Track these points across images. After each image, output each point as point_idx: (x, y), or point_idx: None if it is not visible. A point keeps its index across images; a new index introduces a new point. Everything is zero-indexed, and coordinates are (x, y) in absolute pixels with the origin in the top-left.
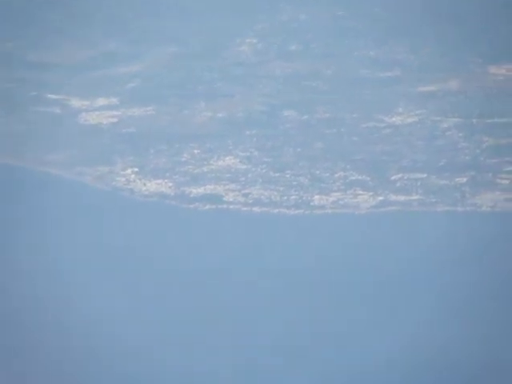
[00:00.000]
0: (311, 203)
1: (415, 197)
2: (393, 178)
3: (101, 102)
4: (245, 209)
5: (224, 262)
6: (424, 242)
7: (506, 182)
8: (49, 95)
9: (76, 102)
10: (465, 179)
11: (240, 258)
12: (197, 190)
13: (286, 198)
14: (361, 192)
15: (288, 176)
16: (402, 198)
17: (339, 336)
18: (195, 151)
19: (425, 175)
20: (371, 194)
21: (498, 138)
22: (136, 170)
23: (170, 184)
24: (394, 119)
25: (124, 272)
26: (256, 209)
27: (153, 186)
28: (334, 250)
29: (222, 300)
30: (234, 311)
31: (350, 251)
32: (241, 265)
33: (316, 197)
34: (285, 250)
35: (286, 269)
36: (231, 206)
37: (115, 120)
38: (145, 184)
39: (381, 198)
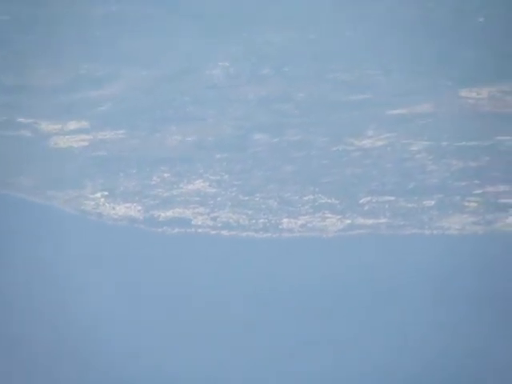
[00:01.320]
0: (279, 226)
1: (383, 220)
2: (361, 201)
3: (72, 125)
4: (213, 232)
5: (192, 285)
6: (390, 264)
7: (474, 204)
8: (20, 119)
9: (47, 126)
10: (433, 202)
11: (208, 281)
12: (165, 214)
13: (254, 221)
14: (329, 215)
15: (257, 199)
16: (369, 221)
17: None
18: (165, 175)
19: (393, 198)
20: (339, 217)
21: (467, 161)
22: (106, 193)
23: (139, 208)
24: (363, 142)
25: (90, 296)
26: (224, 232)
27: (122, 209)
28: (302, 273)
29: (191, 323)
30: (203, 334)
31: (317, 274)
32: (209, 288)
33: (284, 220)
34: (252, 273)
35: (254, 291)
36: (199, 230)
37: (86, 144)
38: (114, 208)
39: (349, 221)
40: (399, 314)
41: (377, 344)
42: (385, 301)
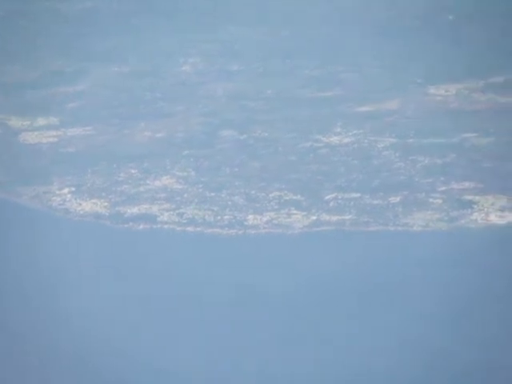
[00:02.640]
0: (245, 223)
1: (348, 216)
2: (327, 197)
3: (41, 121)
4: (179, 228)
5: (156, 281)
6: (355, 261)
7: (439, 201)
8: None
9: (16, 122)
10: (398, 199)
11: (172, 277)
12: (132, 210)
13: (220, 217)
14: (294, 212)
15: (223, 196)
16: (335, 217)
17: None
18: (133, 171)
19: (359, 195)
20: (305, 213)
21: (433, 157)
22: (73, 189)
23: (106, 204)
24: (331, 139)
25: (56, 292)
26: (190, 228)
27: (88, 205)
28: (266, 269)
29: (157, 320)
30: (166, 331)
31: (280, 270)
32: (174, 284)
33: (250, 216)
34: (217, 269)
35: (218, 288)
36: (165, 226)
37: (55, 140)
38: (80, 204)
39: (314, 217)
40: (364, 311)
41: (342, 341)
42: (349, 297)
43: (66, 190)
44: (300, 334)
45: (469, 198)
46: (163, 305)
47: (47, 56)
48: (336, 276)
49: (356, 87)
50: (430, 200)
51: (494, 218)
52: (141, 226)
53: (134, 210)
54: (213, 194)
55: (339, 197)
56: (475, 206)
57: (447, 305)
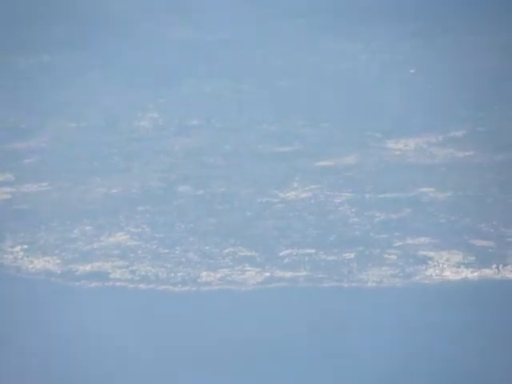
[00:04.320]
0: (198, 280)
1: (302, 273)
2: (281, 253)
3: None
4: (131, 286)
5: (108, 339)
6: (307, 318)
7: (394, 257)
8: None
9: None
10: (353, 255)
11: (124, 335)
12: (84, 267)
13: (173, 274)
14: (248, 268)
15: (177, 252)
16: (289, 273)
17: None
18: (86, 227)
19: (313, 251)
20: (258, 270)
21: (389, 213)
22: (25, 247)
23: (58, 261)
24: (288, 194)
25: (3, 350)
26: (142, 286)
27: (40, 263)
28: (218, 326)
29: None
30: None
31: (233, 328)
32: (125, 342)
33: (203, 273)
34: (168, 327)
35: (170, 346)
36: (117, 283)
37: (8, 196)
38: (32, 261)
39: (267, 274)
40: (316, 369)
41: None
42: (300, 354)
43: (18, 248)
44: None
45: (424, 253)
46: (111, 361)
47: (3, 111)
48: (287, 333)
49: (314, 142)
50: (385, 256)
51: (449, 274)
52: (93, 284)
53: (87, 268)
54: (167, 251)
55: (294, 253)
56: (430, 262)
57: (403, 360)
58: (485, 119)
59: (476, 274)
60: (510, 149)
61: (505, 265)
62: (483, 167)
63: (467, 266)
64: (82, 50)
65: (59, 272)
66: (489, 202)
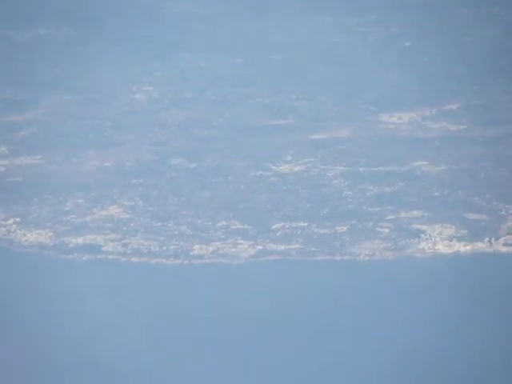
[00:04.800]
0: (190, 253)
1: (295, 246)
2: (274, 226)
3: None
4: (123, 259)
5: (99, 312)
6: (299, 291)
7: (386, 230)
8: None
9: None
10: (345, 228)
11: (115, 308)
12: (76, 240)
13: (165, 247)
14: (241, 241)
15: (170, 225)
16: (281, 247)
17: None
18: (79, 201)
19: (306, 224)
20: (251, 243)
21: (383, 186)
22: (18, 220)
23: (51, 234)
24: (281, 168)
25: None
26: (134, 259)
27: (33, 236)
28: (210, 299)
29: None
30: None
31: (224, 300)
32: (116, 314)
33: (196, 246)
34: (160, 300)
35: (162, 318)
36: (109, 256)
37: (2, 169)
38: (25, 234)
39: (260, 247)
40: (309, 342)
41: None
42: (294, 327)
43: (11, 221)
44: (239, 366)
45: (417, 226)
46: (103, 335)
47: None
48: (280, 306)
49: (308, 115)
50: (378, 229)
51: (442, 247)
52: (85, 257)
53: (79, 241)
54: (159, 224)
55: (286, 226)
56: (423, 235)
57: (396, 334)
58: (480, 93)
59: (468, 247)
60: (503, 123)
61: (497, 238)
62: (477, 141)
63: (459, 239)
64: (79, 23)
65: (52, 245)
66: (482, 176)
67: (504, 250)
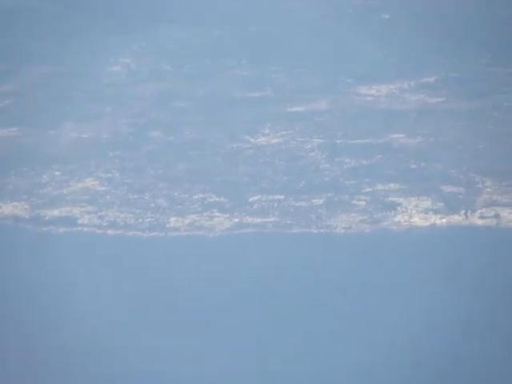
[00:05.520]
0: (166, 225)
1: (271, 219)
2: (251, 199)
3: None
4: (99, 231)
5: (74, 285)
6: (275, 264)
7: (363, 203)
8: None
9: None
10: (321, 201)
11: (90, 280)
12: (52, 213)
13: (141, 220)
14: (217, 214)
15: (146, 198)
16: (258, 219)
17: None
18: (56, 173)
19: (283, 197)
20: (227, 216)
21: (360, 159)
22: None
23: (27, 206)
24: (259, 140)
25: None
26: (110, 231)
27: (9, 208)
28: (185, 271)
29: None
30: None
31: (201, 273)
32: (92, 287)
33: (172, 219)
34: (134, 272)
35: (137, 290)
36: (85, 229)
37: None
38: (0, 206)
39: (236, 220)
40: (286, 314)
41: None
42: (271, 300)
43: None
44: (218, 339)
45: (393, 199)
46: (79, 307)
47: None
48: (256, 279)
49: (287, 87)
50: (354, 202)
51: (418, 220)
52: (60, 230)
53: (55, 213)
54: (135, 196)
55: (263, 199)
56: (399, 208)
57: (367, 307)
58: (458, 65)
59: (444, 220)
60: (481, 95)
61: (473, 211)
62: (454, 113)
63: (436, 212)
64: None
65: (27, 217)
66: (459, 149)
67: (480, 222)
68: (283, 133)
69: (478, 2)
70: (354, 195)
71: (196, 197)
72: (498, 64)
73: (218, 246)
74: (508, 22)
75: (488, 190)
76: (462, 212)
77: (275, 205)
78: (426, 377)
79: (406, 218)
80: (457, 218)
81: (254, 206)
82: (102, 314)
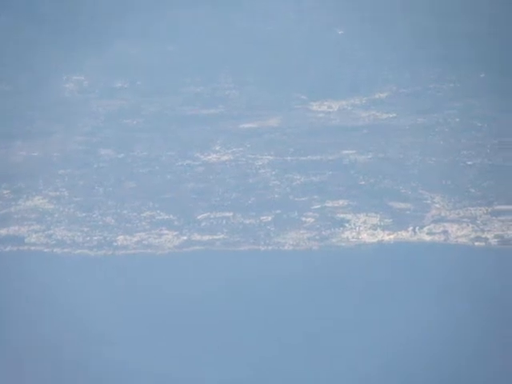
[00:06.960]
0: (114, 243)
1: (220, 236)
2: (199, 217)
3: None
4: (46, 250)
5: (20, 305)
6: (223, 281)
7: (311, 220)
8: None
9: None
10: (270, 218)
11: (35, 298)
12: (0, 231)
13: (89, 238)
14: (166, 232)
15: (95, 216)
16: (206, 237)
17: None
18: (5, 191)
19: (231, 214)
20: (176, 233)
21: (310, 175)
22: None
23: None
24: (209, 157)
25: None
26: (57, 250)
27: None
28: (133, 289)
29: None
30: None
31: (148, 291)
32: (37, 307)
33: (120, 237)
34: (81, 290)
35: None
36: (32, 248)
37: None
38: None
39: (185, 237)
40: (232, 331)
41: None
42: (217, 317)
43: None
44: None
45: (342, 216)
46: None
47: None
48: (203, 296)
49: (239, 104)
50: (303, 218)
51: (366, 237)
52: (7, 248)
53: (3, 232)
54: (84, 215)
55: (212, 216)
56: (347, 225)
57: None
58: (410, 81)
59: (392, 236)
60: (432, 111)
61: (421, 227)
62: (405, 129)
63: (384, 228)
64: (13, 9)
65: None
66: (408, 164)
67: (428, 238)
68: (234, 149)
69: (428, 17)
70: (303, 212)
71: (144, 214)
72: (448, 79)
73: (167, 263)
74: (458, 36)
75: (436, 205)
76: (410, 228)
77: (224, 222)
78: None
79: (354, 234)
80: (405, 234)
81: (203, 224)
82: (48, 332)
